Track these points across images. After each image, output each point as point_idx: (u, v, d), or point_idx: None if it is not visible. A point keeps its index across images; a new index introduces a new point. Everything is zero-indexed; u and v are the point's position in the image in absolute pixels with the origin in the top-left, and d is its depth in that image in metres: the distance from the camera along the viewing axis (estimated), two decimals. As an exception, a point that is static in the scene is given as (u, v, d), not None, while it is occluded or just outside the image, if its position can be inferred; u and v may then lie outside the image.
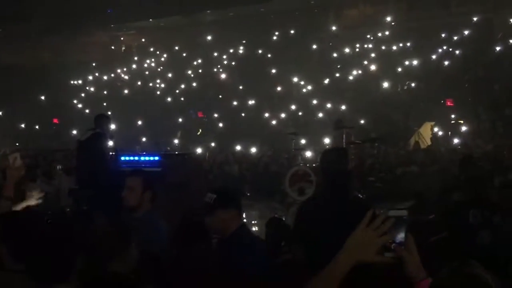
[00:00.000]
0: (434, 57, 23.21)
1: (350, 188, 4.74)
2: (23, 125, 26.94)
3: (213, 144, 20.67)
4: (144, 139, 21.49)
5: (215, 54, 29.80)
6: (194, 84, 27.79)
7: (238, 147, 19.03)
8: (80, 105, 28.51)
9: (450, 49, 23.24)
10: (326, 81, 23.71)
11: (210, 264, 4.25)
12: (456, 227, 5.74)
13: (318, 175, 12.56)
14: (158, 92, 28.23)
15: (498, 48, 22.07)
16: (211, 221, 4.20)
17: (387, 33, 26.22)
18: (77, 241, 4.01)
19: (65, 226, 4.60)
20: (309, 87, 23.68)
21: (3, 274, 3.30)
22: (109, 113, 23.38)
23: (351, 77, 23.74)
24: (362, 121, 19.34)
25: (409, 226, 2.28)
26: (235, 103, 24.52)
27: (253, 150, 18.69)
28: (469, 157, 9.13)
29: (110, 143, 8.86)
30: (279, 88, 24.52)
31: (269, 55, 27.78)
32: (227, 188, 4.48)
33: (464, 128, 17.74)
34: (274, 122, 21.68)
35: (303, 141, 15.69)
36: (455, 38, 24.03)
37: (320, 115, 21.14)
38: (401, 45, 24.91)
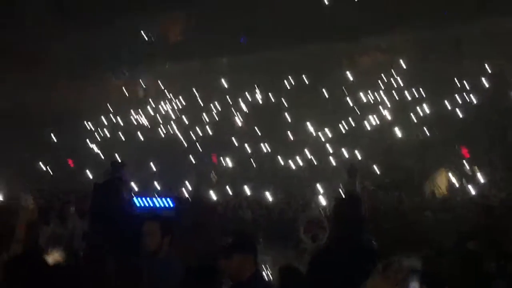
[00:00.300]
0: (448, 103, 23.25)
1: (364, 237, 4.72)
2: (39, 166, 27.10)
3: (226, 189, 20.67)
4: (157, 184, 21.57)
5: (230, 98, 30.05)
6: (209, 128, 27.97)
7: (252, 192, 19.02)
8: (95, 148, 28.73)
9: (464, 96, 23.28)
10: (340, 127, 23.79)
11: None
12: (471, 276, 5.68)
13: (332, 221, 12.53)
14: (173, 137, 28.41)
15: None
16: (227, 265, 4.20)
17: (400, 79, 26.35)
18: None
19: (75, 270, 4.63)
20: (323, 133, 23.77)
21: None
22: (125, 157, 23.70)
23: (364, 123, 23.80)
24: (376, 168, 19.30)
25: (423, 277, 2.28)
26: (249, 148, 24.60)
27: (267, 195, 18.67)
28: (487, 206, 9.05)
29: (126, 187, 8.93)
30: (293, 134, 24.61)
31: (284, 101, 27.97)
32: (245, 233, 4.50)
33: (479, 176, 17.65)
34: (288, 167, 21.71)
35: (317, 187, 15.68)
36: (469, 85, 24.08)
37: (334, 161, 21.17)
38: (414, 91, 24.99)
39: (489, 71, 24.35)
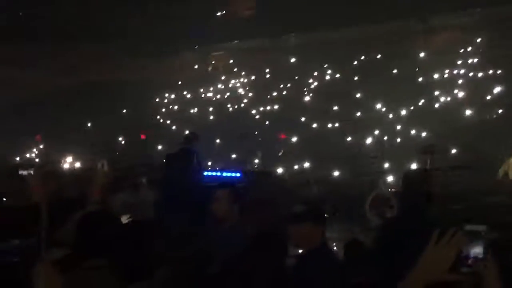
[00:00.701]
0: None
1: (429, 211, 4.67)
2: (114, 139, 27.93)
3: (294, 166, 20.71)
4: (226, 157, 21.85)
5: (300, 76, 29.95)
6: (277, 106, 28.00)
7: (320, 170, 19.02)
8: (167, 122, 29.32)
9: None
10: (413, 106, 23.31)
11: (285, 277, 4.30)
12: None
13: (399, 195, 12.42)
14: (243, 113, 28.63)
15: None
16: (297, 232, 4.26)
17: (476, 59, 25.56)
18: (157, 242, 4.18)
19: (147, 227, 4.80)
20: (394, 113, 23.37)
21: (83, 272, 3.42)
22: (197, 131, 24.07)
23: (437, 104, 23.26)
24: (448, 149, 18.90)
25: (492, 243, 2.24)
26: (317, 125, 24.52)
27: (335, 173, 18.62)
28: None
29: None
30: (363, 112, 24.35)
31: (354, 79, 27.65)
32: (318, 203, 4.54)
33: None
34: (357, 145, 21.55)
35: (386, 166, 15.50)
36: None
37: (403, 140, 20.86)
38: (490, 72, 24.19)
39: None
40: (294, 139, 23.92)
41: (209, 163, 15.01)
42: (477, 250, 2.13)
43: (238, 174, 8.97)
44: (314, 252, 4.13)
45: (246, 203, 8.08)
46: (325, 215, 4.32)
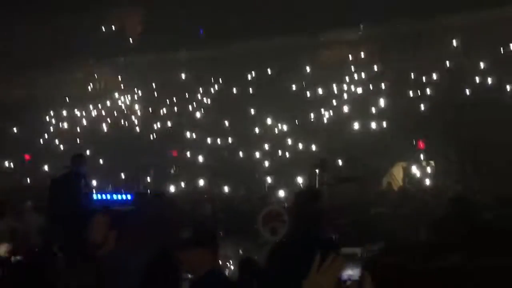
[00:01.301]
0: (405, 99, 23.59)
1: (321, 230, 4.76)
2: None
3: (186, 183, 20.58)
4: (122, 175, 21.40)
5: (191, 92, 29.89)
6: (169, 123, 27.75)
7: (212, 187, 18.99)
8: (53, 142, 28.26)
9: (422, 92, 23.65)
10: (301, 121, 23.88)
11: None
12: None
13: (291, 215, 12.66)
14: (133, 130, 28.12)
15: (467, 92, 22.56)
16: (184, 258, 4.19)
17: (361, 74, 26.62)
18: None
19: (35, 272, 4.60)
20: (284, 127, 23.83)
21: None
22: (84, 151, 23.38)
23: (325, 118, 23.96)
24: (335, 162, 19.47)
25: (366, 264, 2.32)
26: (209, 141, 24.54)
27: (226, 189, 18.67)
28: (460, 197, 9.13)
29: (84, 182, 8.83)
30: (254, 128, 24.63)
31: (245, 94, 27.95)
32: (205, 226, 4.48)
33: (435, 170, 18.01)
34: (248, 161, 21.73)
35: (277, 181, 15.75)
36: (427, 80, 24.47)
37: (294, 154, 21.29)
38: (372, 87, 25.26)
39: (446, 67, 24.81)
40: (187, 155, 23.83)
41: (98, 185, 14.62)
42: (354, 273, 2.21)
43: (129, 197, 8.75)
44: (204, 279, 4.09)
45: (132, 228, 7.94)
46: (215, 238, 4.25)
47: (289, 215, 12.59)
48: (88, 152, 22.50)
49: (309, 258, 4.08)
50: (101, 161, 23.96)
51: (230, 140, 24.20)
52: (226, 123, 25.84)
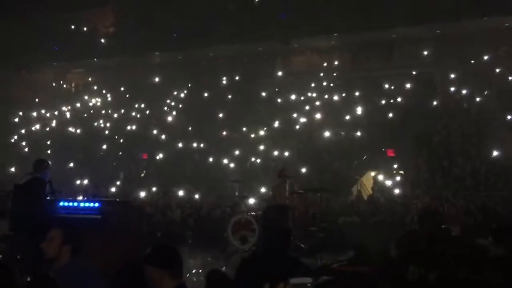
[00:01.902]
0: (376, 107, 23.74)
1: (289, 247, 4.73)
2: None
3: (156, 188, 20.38)
4: (85, 182, 21.08)
5: (162, 95, 29.68)
6: (139, 126, 27.50)
7: (182, 192, 18.84)
8: (20, 143, 27.81)
9: (392, 101, 23.83)
10: (271, 127, 23.83)
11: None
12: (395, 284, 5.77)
13: (260, 230, 12.62)
14: (102, 133, 27.80)
15: (437, 102, 22.80)
16: (146, 273, 4.16)
17: (331, 82, 26.72)
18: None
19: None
20: (254, 134, 23.76)
21: None
22: (49, 152, 22.98)
23: (295, 125, 23.96)
24: (305, 170, 19.48)
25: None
26: (180, 145, 24.36)
27: (197, 196, 18.54)
28: (428, 211, 9.16)
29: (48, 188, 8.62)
30: (225, 133, 24.52)
31: (216, 99, 27.83)
32: (165, 247, 4.38)
33: (404, 179, 18.11)
34: (219, 167, 21.61)
35: (246, 188, 15.66)
36: (397, 90, 24.66)
37: (264, 162, 21.24)
38: (344, 94, 25.38)
39: (416, 77, 25.04)
40: (158, 158, 23.64)
41: (65, 191, 14.35)
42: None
43: (96, 204, 8.58)
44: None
45: (100, 236, 7.80)
46: (171, 258, 4.16)
47: (259, 223, 12.58)
48: (55, 155, 22.19)
49: (277, 276, 4.03)
50: (69, 165, 23.60)
51: (200, 145, 24.06)
52: (197, 127, 25.70)
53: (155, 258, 4.08)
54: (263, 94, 27.35)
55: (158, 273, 4.04)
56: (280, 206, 5.25)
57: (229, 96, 27.85)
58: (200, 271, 10.89)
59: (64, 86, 35.19)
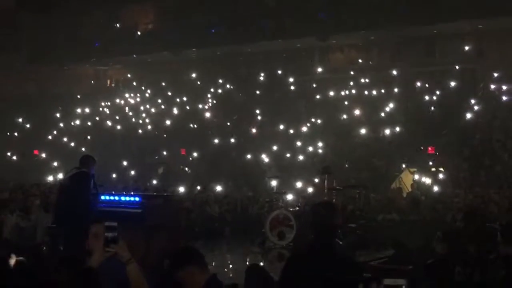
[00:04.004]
0: (416, 104, 23.44)
1: (336, 243, 4.69)
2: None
3: (194, 183, 20.51)
4: (125, 176, 21.38)
5: (200, 91, 29.87)
6: (177, 121, 27.73)
7: (219, 187, 18.91)
8: (62, 138, 28.32)
9: (433, 97, 23.49)
10: (310, 124, 23.72)
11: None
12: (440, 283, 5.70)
13: (299, 219, 12.59)
14: (142, 128, 28.11)
15: (479, 98, 22.40)
16: (177, 277, 4.21)
17: (370, 78, 26.47)
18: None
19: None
20: (293, 129, 23.70)
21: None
22: (93, 149, 23.37)
23: (334, 121, 23.82)
24: (343, 166, 19.36)
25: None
26: (217, 141, 24.45)
27: (234, 191, 18.59)
28: (473, 211, 8.95)
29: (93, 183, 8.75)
30: (262, 129, 24.52)
31: (253, 95, 27.87)
32: (179, 250, 4.46)
33: (444, 176, 17.83)
34: (256, 163, 21.62)
35: (284, 184, 15.62)
36: (438, 86, 24.31)
37: (302, 158, 21.17)
38: (383, 91, 25.12)
39: (458, 73, 24.64)
40: (196, 153, 23.79)
41: (106, 185, 14.57)
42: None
43: (137, 199, 8.66)
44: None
45: (140, 231, 7.89)
46: (191, 253, 4.22)
47: (296, 219, 12.55)
48: (96, 150, 22.50)
49: (329, 275, 3.98)
50: (109, 159, 23.92)
51: (238, 140, 24.12)
52: (234, 123, 25.79)
53: (177, 261, 4.16)
54: (301, 90, 27.27)
55: (186, 271, 4.09)
56: (328, 203, 5.22)
57: (267, 92, 27.85)
58: (238, 266, 10.90)
59: (104, 81, 35.73)
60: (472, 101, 22.25)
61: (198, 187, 19.40)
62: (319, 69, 28.45)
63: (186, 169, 23.15)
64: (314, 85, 27.60)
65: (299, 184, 16.23)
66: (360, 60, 28.01)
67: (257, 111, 26.03)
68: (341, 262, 4.23)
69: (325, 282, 3.93)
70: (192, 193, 18.11)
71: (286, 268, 4.47)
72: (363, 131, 21.78)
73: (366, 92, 25.44)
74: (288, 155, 21.85)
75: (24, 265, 5.39)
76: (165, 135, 26.74)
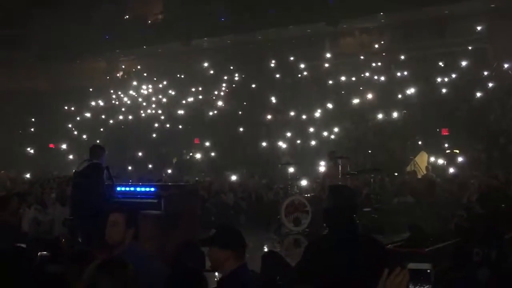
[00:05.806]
0: (429, 86, 23.27)
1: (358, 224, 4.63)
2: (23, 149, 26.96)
3: (209, 172, 20.59)
4: (140, 167, 21.47)
5: (212, 80, 29.89)
6: (190, 111, 27.79)
7: (234, 176, 18.96)
8: (76, 131, 28.51)
9: (446, 79, 23.32)
10: (323, 109, 23.65)
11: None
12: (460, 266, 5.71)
13: (314, 205, 12.60)
14: (154, 118, 28.20)
15: (492, 78, 22.19)
16: (209, 256, 4.19)
17: (382, 62, 26.33)
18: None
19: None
20: (305, 115, 23.65)
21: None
22: (105, 139, 23.48)
23: (347, 106, 23.74)
24: (357, 150, 19.31)
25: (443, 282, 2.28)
26: (231, 129, 24.48)
27: (249, 179, 18.63)
28: (488, 193, 8.91)
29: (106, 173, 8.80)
30: (275, 116, 24.50)
31: (265, 82, 27.83)
32: (229, 228, 4.39)
33: (460, 158, 17.72)
34: (270, 150, 21.63)
35: (298, 170, 15.62)
36: (450, 67, 24.12)
37: (315, 143, 21.14)
38: (397, 74, 24.99)
39: (470, 53, 24.43)
40: (209, 142, 23.83)
41: (122, 175, 14.67)
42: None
43: (152, 189, 8.72)
44: (227, 278, 4.04)
45: (156, 220, 7.95)
46: (241, 241, 4.16)
47: (312, 205, 12.56)
48: (110, 141, 22.64)
49: (354, 259, 3.94)
50: (123, 149, 24.06)
51: (252, 128, 24.11)
52: (247, 110, 25.78)
53: (222, 239, 4.10)
54: (313, 76, 27.17)
55: (224, 253, 4.05)
56: (345, 186, 5.20)
57: (279, 79, 27.80)
58: (254, 253, 10.95)
59: (115, 74, 35.81)
60: (485, 81, 22.06)
61: (213, 176, 19.47)
62: (330, 55, 28.30)
63: (198, 156, 23.07)
64: (326, 71, 27.48)
65: (313, 170, 16.24)
66: (372, 44, 27.83)
67: (270, 98, 25.98)
68: (366, 244, 4.16)
69: (350, 265, 3.91)
70: (207, 182, 18.16)
71: (307, 252, 4.39)
72: (377, 115, 21.69)
73: (378, 76, 25.31)
74: (302, 141, 21.83)
75: (48, 259, 5.44)
76: (177, 125, 26.79)
